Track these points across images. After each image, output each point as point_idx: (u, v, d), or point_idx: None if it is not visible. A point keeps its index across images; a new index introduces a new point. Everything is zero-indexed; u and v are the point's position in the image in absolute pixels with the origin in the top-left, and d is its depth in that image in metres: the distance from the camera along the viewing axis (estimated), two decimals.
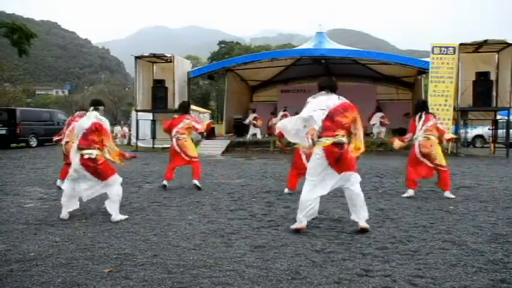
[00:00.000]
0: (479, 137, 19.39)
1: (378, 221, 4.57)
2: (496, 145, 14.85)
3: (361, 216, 4.10)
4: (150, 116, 17.09)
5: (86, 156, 4.67)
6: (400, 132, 17.54)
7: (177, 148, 6.91)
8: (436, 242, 3.77)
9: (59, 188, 6.93)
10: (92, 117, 4.82)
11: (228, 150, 15.34)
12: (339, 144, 3.95)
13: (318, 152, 4.00)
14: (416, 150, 6.04)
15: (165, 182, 6.95)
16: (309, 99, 4.16)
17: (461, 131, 15.13)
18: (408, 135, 6.27)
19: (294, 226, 4.15)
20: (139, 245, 3.71)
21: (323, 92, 4.10)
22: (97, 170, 4.69)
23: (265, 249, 3.58)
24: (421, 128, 6.02)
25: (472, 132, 19.06)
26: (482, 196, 6.11)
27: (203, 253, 3.47)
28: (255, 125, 17.61)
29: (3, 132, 17.40)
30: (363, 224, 4.08)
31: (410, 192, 6.09)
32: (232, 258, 3.34)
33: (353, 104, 4.10)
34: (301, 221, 4.09)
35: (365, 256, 3.37)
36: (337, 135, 3.95)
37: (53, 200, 5.97)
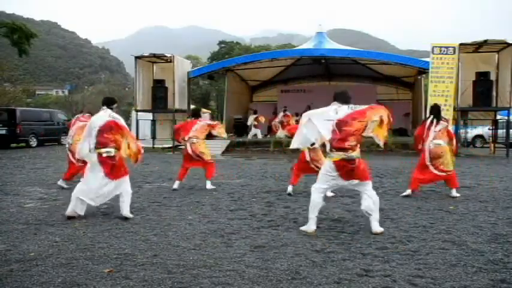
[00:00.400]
0: (479, 137, 19.37)
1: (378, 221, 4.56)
2: (496, 145, 14.84)
3: (373, 218, 4.11)
4: (150, 116, 17.10)
5: (104, 155, 4.72)
6: (400, 132, 17.57)
7: (190, 152, 6.84)
8: (436, 242, 3.77)
9: (62, 188, 6.96)
10: (106, 115, 4.83)
11: (228, 150, 15.33)
12: (350, 160, 4.00)
13: (328, 166, 4.11)
14: (427, 156, 6.04)
15: (175, 186, 6.85)
16: (321, 110, 4.21)
17: (461, 131, 15.13)
18: (423, 144, 6.16)
19: (302, 228, 4.21)
20: (139, 245, 3.71)
21: (335, 102, 4.16)
22: (114, 167, 4.74)
23: (265, 249, 3.58)
24: (431, 134, 6.01)
25: (472, 132, 19.04)
26: (482, 196, 6.11)
27: (203, 253, 3.47)
28: (256, 126, 17.67)
29: (3, 132, 17.39)
30: (375, 228, 4.07)
31: (408, 191, 6.10)
32: (232, 258, 3.34)
33: (364, 110, 4.04)
34: (310, 223, 4.19)
35: (365, 256, 3.37)
36: (346, 148, 3.97)
37: (53, 200, 5.97)
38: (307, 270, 3.06)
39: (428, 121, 6.10)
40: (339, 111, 4.06)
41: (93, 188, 4.72)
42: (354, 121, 3.98)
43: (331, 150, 4.06)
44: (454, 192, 6.05)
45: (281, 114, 17.05)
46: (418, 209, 5.23)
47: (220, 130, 7.16)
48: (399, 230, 4.18)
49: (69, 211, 4.72)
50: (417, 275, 2.96)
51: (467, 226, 4.33)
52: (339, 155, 4.00)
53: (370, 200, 4.09)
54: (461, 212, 5.03)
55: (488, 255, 3.38)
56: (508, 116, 13.56)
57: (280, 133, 16.57)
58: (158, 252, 3.50)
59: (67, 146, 7.41)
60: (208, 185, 6.95)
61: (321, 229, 4.24)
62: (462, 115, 14.27)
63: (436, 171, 6.01)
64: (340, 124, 4.00)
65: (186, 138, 6.85)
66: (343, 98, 4.15)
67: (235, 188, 7.07)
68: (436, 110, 6.17)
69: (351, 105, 4.10)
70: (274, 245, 3.69)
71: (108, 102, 4.97)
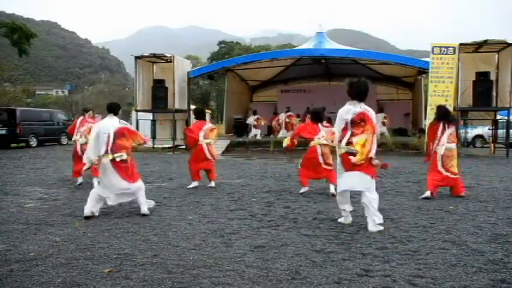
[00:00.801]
0: (479, 137, 19.38)
1: None
2: (496, 145, 14.84)
3: (369, 219, 4.19)
4: (150, 116, 17.10)
5: (118, 159, 4.77)
6: (400, 132, 17.57)
7: (207, 152, 6.99)
8: (436, 242, 3.77)
9: (79, 184, 7.10)
10: (117, 122, 4.92)
11: (228, 150, 15.33)
12: (352, 153, 4.16)
13: (338, 158, 4.37)
14: (438, 159, 6.07)
15: (196, 184, 7.05)
16: (340, 110, 4.35)
17: (462, 131, 15.14)
18: (435, 146, 6.16)
19: (340, 220, 4.55)
20: (139, 245, 3.71)
21: (351, 101, 4.26)
22: (128, 171, 4.84)
23: (265, 249, 3.58)
24: (444, 138, 6.06)
25: (472, 132, 19.05)
26: (482, 196, 6.11)
27: (203, 253, 3.47)
28: (255, 126, 17.71)
29: (3, 132, 17.38)
30: (370, 227, 4.15)
31: (427, 193, 6.08)
32: (232, 258, 3.34)
33: (370, 114, 4.20)
34: (347, 216, 4.48)
35: (365, 256, 3.37)
36: (350, 142, 4.18)
37: (53, 200, 5.98)
38: (307, 270, 3.06)
39: (441, 126, 6.11)
40: (353, 110, 4.19)
41: (112, 189, 4.81)
42: (361, 122, 4.16)
43: (339, 146, 4.31)
44: (461, 194, 6.10)
45: (284, 114, 17.10)
46: (418, 209, 5.23)
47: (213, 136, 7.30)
48: (399, 230, 4.18)
49: (86, 212, 4.74)
50: (417, 275, 2.96)
51: (467, 226, 4.33)
52: (344, 148, 4.22)
53: (365, 198, 4.21)
54: (461, 212, 5.03)
55: (488, 255, 3.38)
56: (508, 116, 13.56)
57: (283, 133, 16.64)
58: (158, 252, 3.50)
59: (79, 143, 7.42)
60: (213, 184, 7.12)
61: (321, 229, 4.25)
62: (462, 115, 14.26)
63: (447, 173, 6.06)
64: (350, 124, 4.20)
65: (202, 137, 6.95)
66: (361, 96, 4.26)
67: (235, 188, 7.07)
68: (444, 114, 6.19)
69: (362, 106, 4.22)
70: (274, 245, 3.68)
71: (114, 109, 5.02)
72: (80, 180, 7.29)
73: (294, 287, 2.76)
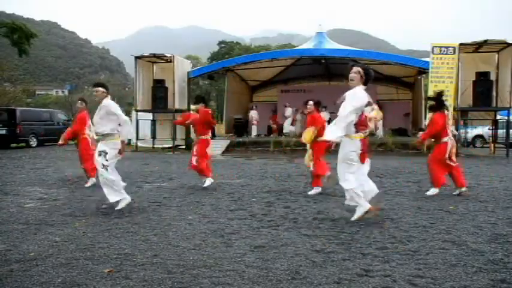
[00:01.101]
0: (479, 137, 19.40)
1: (378, 221, 4.57)
2: (496, 145, 14.85)
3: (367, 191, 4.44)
4: (150, 116, 17.11)
5: None
6: (400, 132, 17.57)
7: (208, 147, 7.09)
8: (436, 242, 3.77)
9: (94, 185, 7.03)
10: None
11: (228, 150, 15.35)
12: (367, 136, 4.49)
13: (356, 144, 4.39)
14: (448, 149, 6.11)
15: (208, 184, 6.98)
16: (360, 96, 4.37)
17: (462, 131, 15.15)
18: (442, 138, 6.17)
19: (355, 217, 4.49)
20: (139, 245, 3.71)
21: (364, 87, 4.46)
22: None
23: (265, 249, 3.58)
24: (450, 126, 6.24)
25: (472, 132, 19.07)
26: (482, 196, 6.11)
27: (203, 253, 3.47)
28: (252, 123, 17.90)
29: (3, 132, 17.39)
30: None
31: (436, 190, 6.10)
32: (232, 258, 3.34)
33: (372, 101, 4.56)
34: (365, 206, 4.46)
35: (365, 256, 3.37)
36: (366, 128, 4.47)
37: (53, 200, 5.97)
38: (307, 270, 3.06)
39: (446, 113, 6.14)
40: (367, 97, 4.40)
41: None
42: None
43: (357, 132, 4.39)
44: (464, 190, 6.13)
45: (290, 109, 17.52)
46: (418, 209, 5.23)
47: None
48: (399, 230, 4.17)
49: (128, 200, 5.19)
50: (417, 275, 2.96)
51: (467, 226, 4.33)
52: (364, 133, 4.42)
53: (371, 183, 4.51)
54: (461, 212, 5.03)
55: (488, 255, 3.38)
56: (508, 116, 13.57)
57: (288, 128, 17.00)
58: (158, 252, 3.50)
59: (94, 139, 7.39)
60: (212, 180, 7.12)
61: (321, 229, 4.25)
62: (462, 115, 14.28)
63: (449, 162, 6.15)
64: (364, 111, 4.46)
65: (206, 132, 7.06)
66: (368, 81, 4.49)
67: (235, 188, 7.07)
68: (441, 101, 6.21)
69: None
70: (274, 245, 3.68)
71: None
72: (94, 180, 7.02)
73: (294, 287, 2.76)
